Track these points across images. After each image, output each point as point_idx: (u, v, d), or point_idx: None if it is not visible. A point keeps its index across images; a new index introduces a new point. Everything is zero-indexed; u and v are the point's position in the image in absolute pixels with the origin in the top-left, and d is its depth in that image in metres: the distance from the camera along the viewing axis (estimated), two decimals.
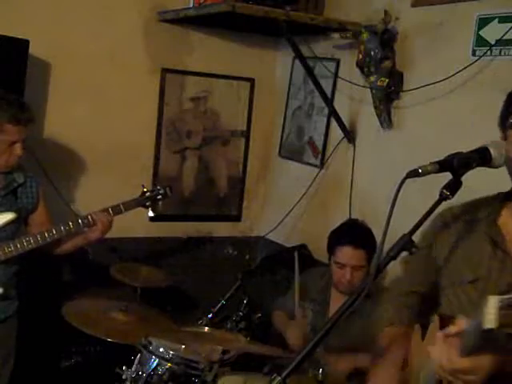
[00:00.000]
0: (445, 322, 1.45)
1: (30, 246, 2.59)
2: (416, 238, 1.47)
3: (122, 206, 2.83)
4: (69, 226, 2.67)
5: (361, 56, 3.11)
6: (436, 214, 1.68)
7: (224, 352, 2.39)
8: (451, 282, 1.59)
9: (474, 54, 2.74)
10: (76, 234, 2.76)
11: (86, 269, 3.48)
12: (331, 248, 2.82)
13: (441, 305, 1.66)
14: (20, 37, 2.99)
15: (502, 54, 2.63)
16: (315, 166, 3.67)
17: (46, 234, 2.62)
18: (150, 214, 3.00)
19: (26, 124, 2.57)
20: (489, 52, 2.67)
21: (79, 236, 2.78)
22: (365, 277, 2.73)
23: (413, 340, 1.66)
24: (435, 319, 1.55)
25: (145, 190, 2.97)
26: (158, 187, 3.02)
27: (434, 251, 1.66)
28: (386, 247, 1.44)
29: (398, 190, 1.35)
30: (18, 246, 2.57)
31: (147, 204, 2.96)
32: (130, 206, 2.87)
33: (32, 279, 3.14)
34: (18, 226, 2.68)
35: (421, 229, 1.48)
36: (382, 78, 3.05)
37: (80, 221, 2.71)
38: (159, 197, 3.00)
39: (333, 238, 2.84)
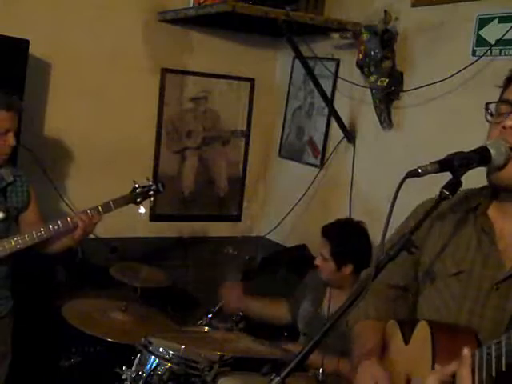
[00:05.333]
0: (435, 327, 1.43)
1: (18, 247, 2.56)
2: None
3: (111, 203, 2.76)
4: (57, 225, 2.63)
5: (361, 56, 3.11)
6: (418, 206, 1.67)
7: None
8: (435, 276, 1.58)
9: (474, 54, 2.74)
10: (65, 234, 2.70)
11: (85, 268, 3.47)
12: None
13: (419, 302, 1.63)
14: (20, 37, 2.99)
15: (502, 54, 2.63)
16: (315, 166, 3.67)
17: (35, 234, 2.58)
18: (142, 210, 2.92)
19: (17, 112, 2.56)
20: (489, 52, 2.67)
21: (68, 236, 2.71)
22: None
23: (392, 340, 1.61)
24: (420, 325, 1.47)
25: (136, 185, 2.89)
26: (150, 183, 2.94)
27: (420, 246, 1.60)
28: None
29: (398, 190, 1.35)
30: (7, 246, 2.54)
31: (138, 200, 2.89)
32: (120, 202, 2.80)
33: (31, 279, 3.14)
34: (7, 226, 2.64)
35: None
36: (382, 78, 3.05)
37: (69, 220, 2.66)
38: (151, 193, 2.92)
39: None
